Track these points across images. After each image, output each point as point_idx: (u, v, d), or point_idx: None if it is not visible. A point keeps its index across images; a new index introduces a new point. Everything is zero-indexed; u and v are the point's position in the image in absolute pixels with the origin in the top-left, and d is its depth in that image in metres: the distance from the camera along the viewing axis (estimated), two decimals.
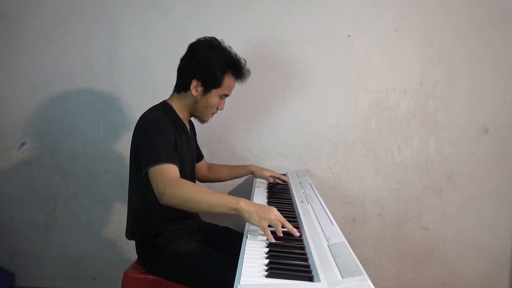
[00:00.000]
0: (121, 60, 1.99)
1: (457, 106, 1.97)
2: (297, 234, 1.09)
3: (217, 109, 1.49)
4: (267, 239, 1.05)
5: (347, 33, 1.95)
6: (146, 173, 1.24)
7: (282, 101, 2.00)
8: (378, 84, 1.97)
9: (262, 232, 1.07)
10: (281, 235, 1.07)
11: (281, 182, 1.78)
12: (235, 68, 1.43)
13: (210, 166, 1.86)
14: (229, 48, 1.44)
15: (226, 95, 1.47)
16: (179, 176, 1.23)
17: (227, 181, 1.94)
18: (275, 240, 1.04)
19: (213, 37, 1.44)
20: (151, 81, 2.00)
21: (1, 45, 2.01)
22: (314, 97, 1.99)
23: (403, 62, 1.96)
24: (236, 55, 1.44)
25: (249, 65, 1.49)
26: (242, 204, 1.10)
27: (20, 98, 2.03)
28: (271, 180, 1.77)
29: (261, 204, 1.12)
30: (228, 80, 1.42)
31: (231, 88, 1.47)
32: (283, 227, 1.09)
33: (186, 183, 1.19)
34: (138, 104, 2.00)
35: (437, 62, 1.95)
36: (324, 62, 1.97)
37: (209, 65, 1.38)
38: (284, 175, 1.88)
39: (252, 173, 1.83)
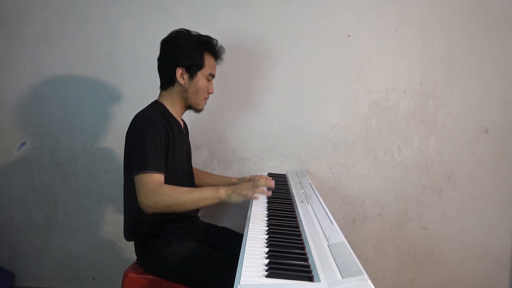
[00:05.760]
0: (121, 60, 1.99)
1: (457, 106, 1.97)
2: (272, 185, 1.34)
3: (208, 93, 1.51)
4: (267, 239, 1.06)
5: (347, 33, 1.95)
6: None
7: (282, 101, 2.00)
8: (378, 84, 1.97)
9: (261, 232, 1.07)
10: (268, 193, 1.31)
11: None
12: (209, 45, 1.48)
13: (195, 171, 1.76)
14: (196, 33, 1.48)
15: (212, 75, 1.50)
16: (162, 182, 1.27)
17: None
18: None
19: (179, 28, 1.48)
20: (151, 81, 1.98)
21: (1, 45, 2.01)
22: (314, 97, 1.99)
23: (403, 62, 1.96)
24: (204, 35, 1.49)
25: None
26: (222, 191, 1.24)
27: (20, 98, 2.03)
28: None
29: (237, 184, 1.29)
30: (208, 59, 1.47)
31: (213, 67, 1.51)
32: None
33: (167, 188, 1.24)
34: (138, 104, 1.98)
35: (437, 62, 1.95)
36: (324, 62, 1.97)
37: (186, 50, 1.42)
38: (283, 175, 1.88)
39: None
